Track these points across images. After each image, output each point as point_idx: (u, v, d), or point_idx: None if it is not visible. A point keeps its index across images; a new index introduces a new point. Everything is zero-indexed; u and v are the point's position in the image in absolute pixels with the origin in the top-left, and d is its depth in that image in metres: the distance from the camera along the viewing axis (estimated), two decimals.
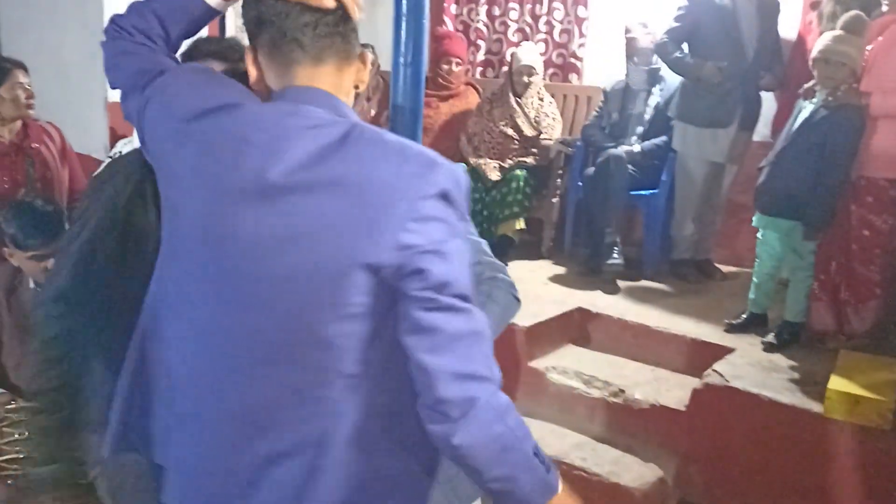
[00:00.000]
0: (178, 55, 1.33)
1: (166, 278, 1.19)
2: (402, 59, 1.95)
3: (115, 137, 3.78)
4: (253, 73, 1.17)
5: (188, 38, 1.34)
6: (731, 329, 3.33)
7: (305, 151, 1.06)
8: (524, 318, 3.28)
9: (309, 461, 1.12)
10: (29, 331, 2.42)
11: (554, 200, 4.47)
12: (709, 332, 3.33)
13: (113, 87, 1.27)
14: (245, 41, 1.26)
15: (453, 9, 5.30)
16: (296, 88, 1.14)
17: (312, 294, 1.08)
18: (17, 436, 2.04)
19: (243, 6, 1.17)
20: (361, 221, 1.06)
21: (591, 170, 4.14)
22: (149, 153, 1.20)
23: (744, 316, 3.35)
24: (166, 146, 1.15)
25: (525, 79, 4.43)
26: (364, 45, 4.34)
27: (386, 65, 3.89)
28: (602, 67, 4.73)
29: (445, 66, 4.65)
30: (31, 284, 2.42)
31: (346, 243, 1.06)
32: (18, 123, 3.13)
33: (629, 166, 4.03)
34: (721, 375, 2.90)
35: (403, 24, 1.93)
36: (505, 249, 4.21)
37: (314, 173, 1.06)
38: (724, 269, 4.17)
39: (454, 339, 1.08)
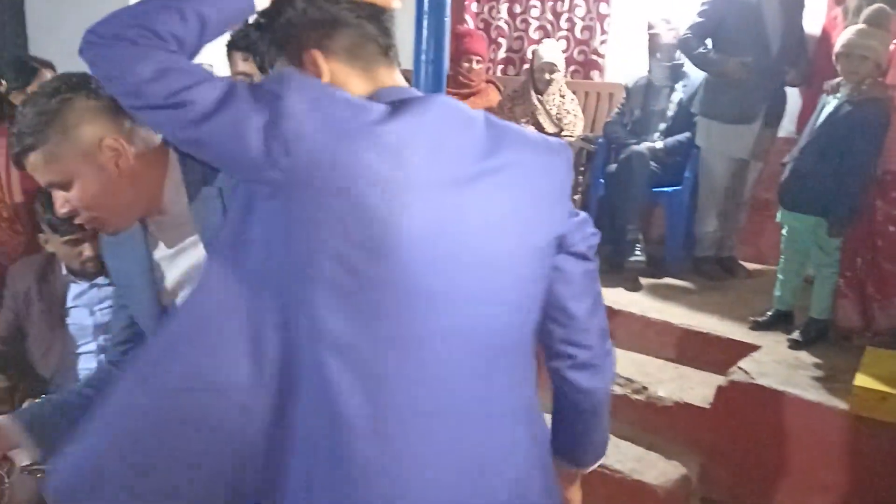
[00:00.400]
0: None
1: (324, 311, 1.01)
2: (423, 57, 1.96)
3: None
4: (326, 75, 1.10)
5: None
6: (756, 326, 3.30)
7: (480, 139, 1.09)
8: None
9: (527, 447, 1.18)
10: (58, 318, 2.47)
11: (575, 197, 4.46)
12: (733, 330, 3.31)
13: (161, 105, 1.00)
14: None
15: (474, 7, 5.30)
16: (398, 89, 1.12)
17: (524, 272, 1.13)
18: None
19: (304, 6, 1.11)
20: (546, 197, 1.16)
21: (613, 166, 4.13)
22: (296, 170, 0.99)
23: (769, 313, 3.33)
24: (335, 160, 0.99)
25: (546, 76, 4.42)
26: None
27: (407, 63, 3.90)
28: (624, 64, 4.71)
29: (466, 64, 4.66)
30: (63, 272, 2.45)
31: (541, 219, 1.15)
32: None
33: (652, 163, 4.01)
34: (746, 373, 2.88)
35: (425, 22, 1.95)
36: None
37: (498, 158, 1.09)
38: (749, 266, 4.13)
39: (600, 299, 1.29)
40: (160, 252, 1.42)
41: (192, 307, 1.09)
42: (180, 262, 1.39)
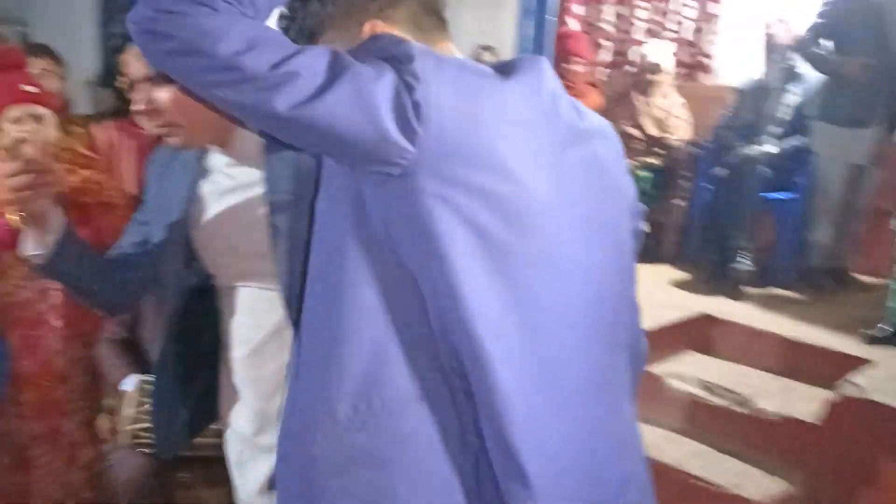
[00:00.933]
0: None
1: (473, 292, 0.92)
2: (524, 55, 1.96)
3: None
4: None
5: None
6: (869, 340, 3.13)
7: (569, 101, 1.05)
8: (643, 320, 3.20)
9: (635, 423, 1.13)
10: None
11: (679, 203, 4.35)
12: (843, 343, 3.14)
13: (262, 78, 0.85)
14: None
15: (578, 9, 5.25)
16: (465, 59, 1.07)
17: (622, 238, 1.10)
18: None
19: None
20: (622, 163, 1.12)
21: (722, 171, 4.00)
22: (432, 140, 0.89)
23: (883, 327, 3.15)
24: (473, 123, 0.91)
25: (652, 77, 4.33)
26: (485, 48, 4.40)
27: None
28: (734, 66, 4.57)
29: (567, 66, 4.61)
30: None
31: (626, 185, 1.11)
32: None
33: (764, 168, 3.88)
34: (859, 388, 2.73)
35: (528, 22, 1.95)
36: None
37: (584, 122, 1.06)
38: (863, 278, 3.93)
39: None
40: (209, 186, 1.37)
41: (355, 332, 0.96)
42: (225, 199, 1.35)
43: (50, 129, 2.37)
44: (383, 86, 0.87)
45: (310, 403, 0.99)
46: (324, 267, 1.00)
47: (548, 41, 2.02)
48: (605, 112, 4.46)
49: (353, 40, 0.98)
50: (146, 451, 1.93)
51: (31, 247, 1.33)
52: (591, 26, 5.23)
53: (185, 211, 1.38)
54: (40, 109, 2.32)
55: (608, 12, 5.15)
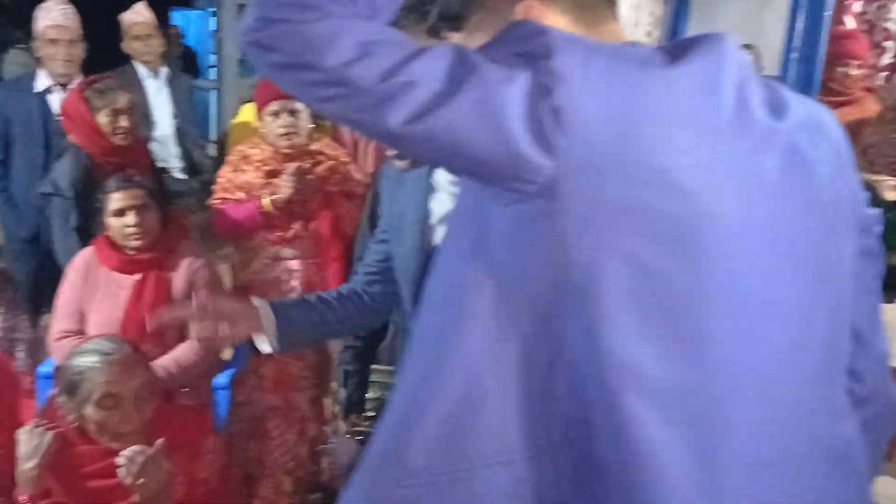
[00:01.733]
0: None
1: (622, 339, 0.77)
2: (793, 55, 1.75)
3: None
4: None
5: None
6: None
7: (763, 92, 0.85)
8: None
9: (867, 493, 0.94)
10: None
11: None
12: None
13: (372, 92, 0.74)
14: None
15: (857, 6, 4.72)
16: (633, 43, 0.89)
17: (835, 262, 0.89)
18: (377, 396, 2.16)
19: None
20: (843, 165, 0.90)
21: None
22: (575, 152, 0.75)
23: None
24: (629, 129, 0.76)
25: None
26: (745, 47, 4.06)
27: (771, 69, 3.60)
28: None
29: (842, 69, 4.15)
30: None
31: (846, 189, 0.90)
32: None
33: None
34: None
35: (799, 17, 1.74)
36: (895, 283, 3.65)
37: (787, 118, 0.85)
38: None
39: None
40: (435, 206, 1.39)
41: (449, 370, 0.83)
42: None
43: (304, 123, 2.54)
44: (513, 91, 0.74)
45: (388, 440, 0.88)
46: (437, 295, 0.90)
47: (822, 40, 1.79)
48: (881, 123, 3.97)
49: (504, 25, 0.82)
50: (363, 439, 1.97)
51: (262, 345, 1.44)
52: (871, 25, 4.69)
53: (419, 232, 1.40)
54: (296, 104, 2.48)
55: (894, 10, 4.58)
